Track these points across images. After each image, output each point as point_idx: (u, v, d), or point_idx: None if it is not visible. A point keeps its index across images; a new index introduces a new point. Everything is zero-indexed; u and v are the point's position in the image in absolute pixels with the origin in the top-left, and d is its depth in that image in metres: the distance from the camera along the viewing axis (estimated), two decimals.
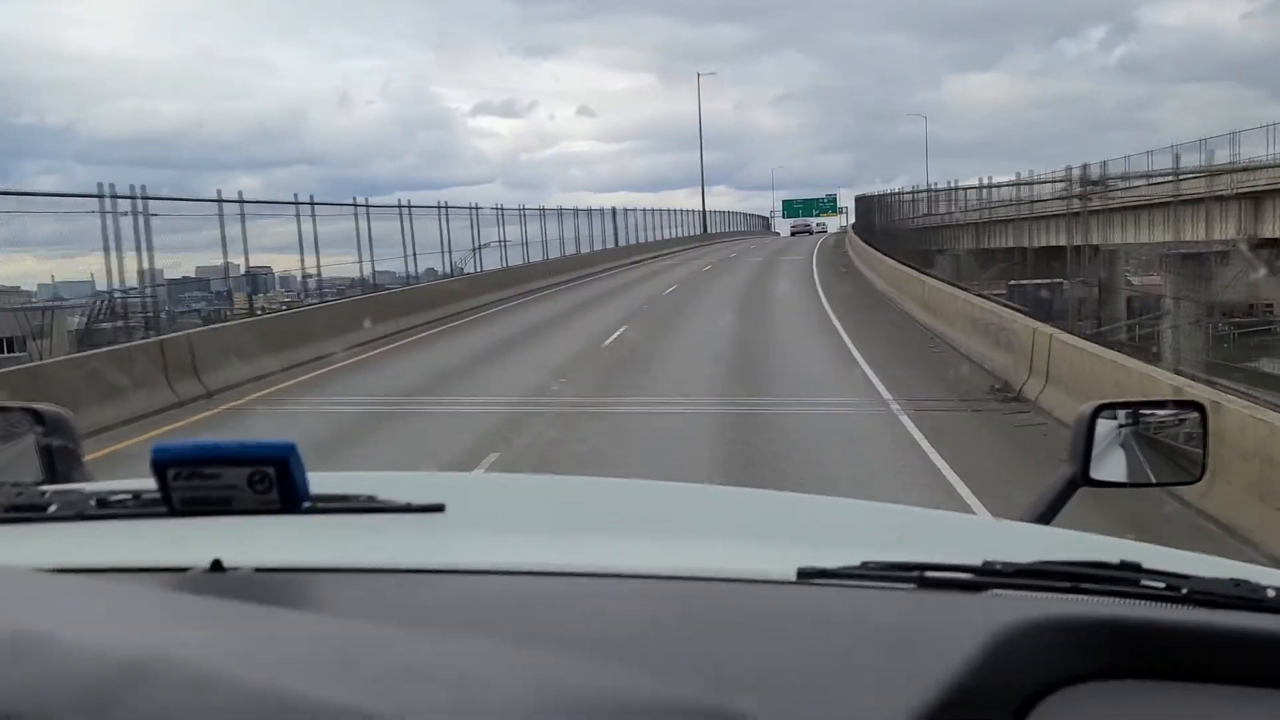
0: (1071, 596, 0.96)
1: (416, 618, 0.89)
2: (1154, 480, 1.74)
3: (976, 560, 1.02)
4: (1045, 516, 1.65)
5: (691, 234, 63.97)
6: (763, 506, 1.55)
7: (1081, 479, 1.66)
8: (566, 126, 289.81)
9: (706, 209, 75.42)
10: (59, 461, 1.56)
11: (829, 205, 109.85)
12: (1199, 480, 1.72)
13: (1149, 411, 1.76)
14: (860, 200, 61.72)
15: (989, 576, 0.99)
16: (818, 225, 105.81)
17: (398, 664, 0.69)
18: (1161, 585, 0.99)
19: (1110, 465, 1.70)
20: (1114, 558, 1.02)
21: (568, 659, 0.77)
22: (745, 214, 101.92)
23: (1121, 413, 1.73)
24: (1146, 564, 1.01)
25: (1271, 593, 0.98)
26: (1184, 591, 0.97)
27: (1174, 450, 1.74)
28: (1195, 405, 1.75)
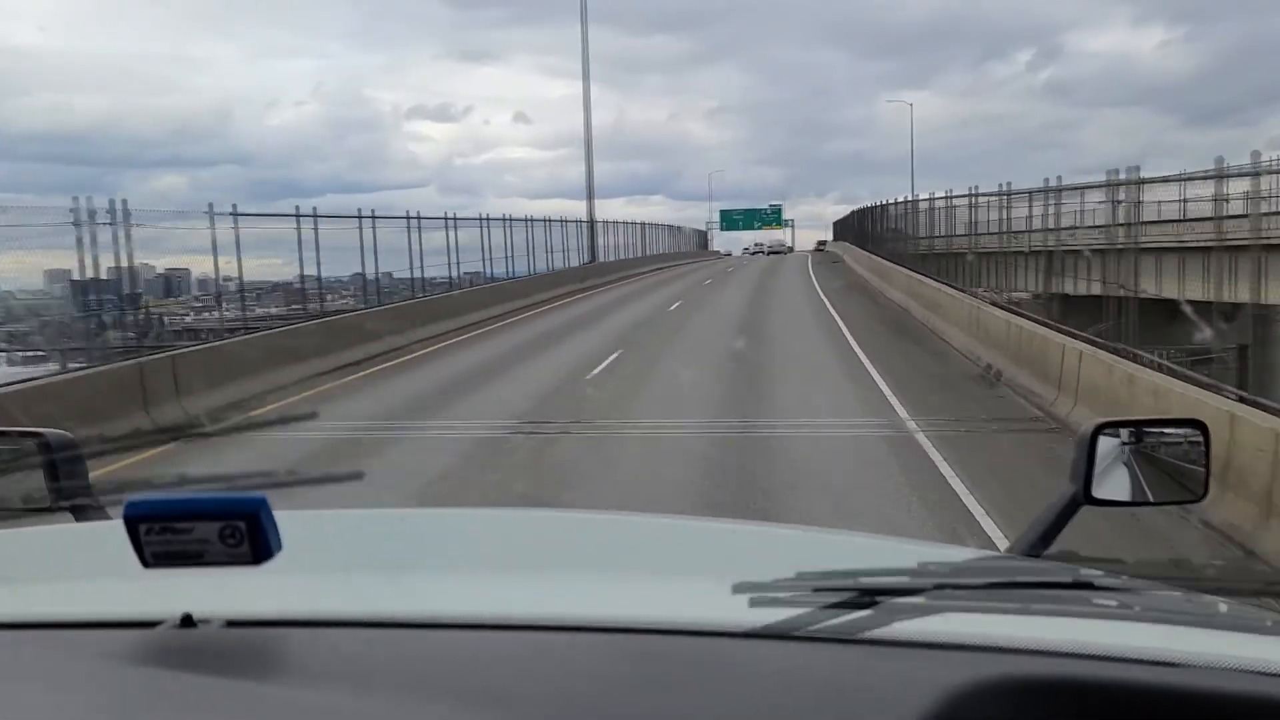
0: (1022, 625, 1.01)
1: (373, 675, 0.97)
2: (1156, 499, 1.79)
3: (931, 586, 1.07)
4: (1047, 536, 1.70)
5: (572, 263, 41.17)
6: (720, 540, 1.63)
7: (1083, 498, 1.72)
8: (502, 132, 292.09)
9: (598, 220, 49.02)
10: (66, 485, 1.64)
11: (773, 218, 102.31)
12: (1201, 499, 1.77)
13: (1150, 429, 1.81)
14: (863, 213, 49.97)
15: (941, 598, 1.06)
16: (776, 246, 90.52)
17: None
18: (1113, 604, 1.05)
19: (1112, 484, 1.76)
20: (1068, 579, 1.08)
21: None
22: (671, 226, 75.95)
23: (1123, 431, 1.79)
24: (1099, 584, 1.07)
25: (1223, 608, 1.04)
26: (1135, 609, 1.04)
27: (1176, 468, 1.80)
28: (1197, 423, 1.81)
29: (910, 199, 32.56)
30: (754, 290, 34.99)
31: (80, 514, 1.62)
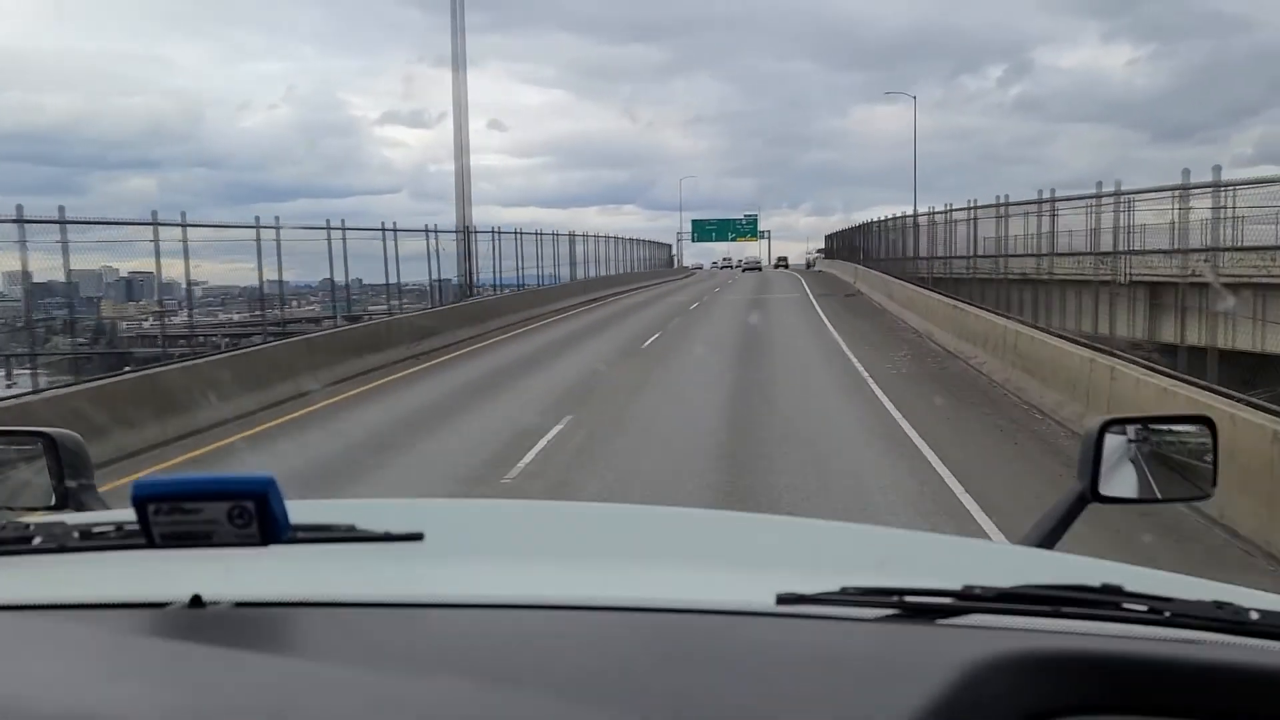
0: (1051, 624, 1.02)
1: (386, 654, 0.98)
2: (1164, 496, 1.81)
3: (958, 585, 1.08)
4: (1055, 533, 1.74)
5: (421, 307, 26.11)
6: (745, 531, 1.66)
7: (1090, 495, 1.74)
8: (477, 139, 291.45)
9: (482, 230, 33.25)
10: (71, 484, 1.67)
11: (749, 228, 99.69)
12: (1209, 496, 1.79)
13: (1158, 426, 1.83)
14: (879, 227, 41.14)
15: (968, 601, 1.06)
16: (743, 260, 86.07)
17: (332, 713, 0.77)
18: (1143, 609, 1.06)
19: (1119, 481, 1.79)
20: (1097, 580, 1.09)
21: (524, 699, 0.86)
22: (623, 239, 58.18)
23: (1130, 428, 1.81)
24: (1130, 587, 1.08)
25: (1255, 615, 1.05)
26: (1166, 615, 1.05)
27: (1184, 465, 1.82)
28: (1204, 420, 1.83)
29: (1003, 201, 22.18)
30: (734, 407, 13.46)
31: (85, 511, 1.63)
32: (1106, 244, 15.81)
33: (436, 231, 27.59)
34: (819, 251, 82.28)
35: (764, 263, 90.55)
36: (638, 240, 64.27)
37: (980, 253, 23.11)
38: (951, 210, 26.84)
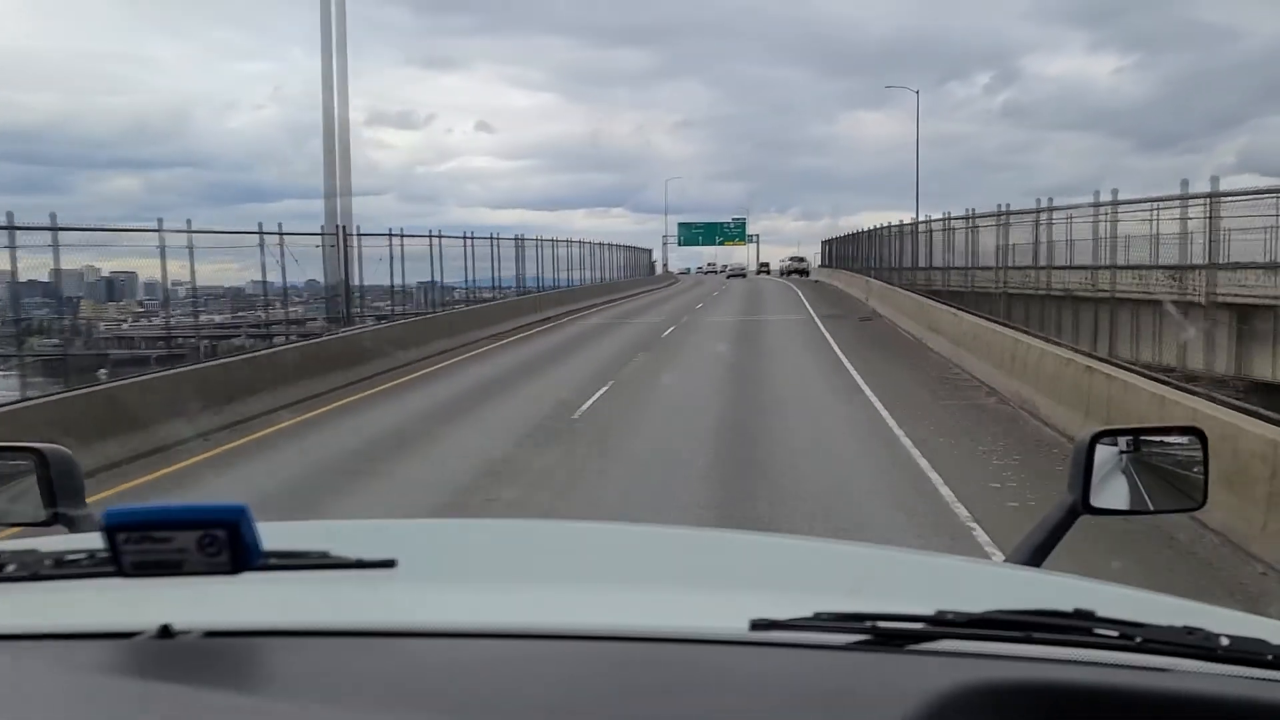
0: (1023, 649, 1.03)
1: (357, 684, 0.99)
2: (1155, 508, 1.82)
3: (931, 609, 1.09)
4: (1046, 545, 1.75)
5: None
6: (722, 550, 1.68)
7: (1082, 507, 1.75)
8: (465, 141, 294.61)
9: (358, 234, 22.75)
10: (62, 501, 1.67)
11: (737, 232, 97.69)
12: (1200, 506, 1.81)
13: (1149, 438, 1.84)
14: (881, 234, 37.50)
15: (941, 626, 1.07)
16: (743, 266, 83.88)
17: None
18: (1114, 634, 1.06)
19: (1110, 492, 1.81)
20: (1073, 603, 1.11)
21: None
22: (598, 243, 50.48)
23: (1121, 439, 1.82)
24: (1103, 610, 1.09)
25: (1225, 641, 1.07)
26: (1137, 640, 1.06)
27: (1175, 476, 1.84)
28: (1195, 431, 1.84)
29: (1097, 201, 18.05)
30: None
31: (74, 528, 1.64)
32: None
33: (281, 234, 20.03)
34: (792, 259, 79.19)
35: (748, 268, 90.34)
36: (611, 245, 55.42)
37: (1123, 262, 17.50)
38: (1053, 208, 20.59)
